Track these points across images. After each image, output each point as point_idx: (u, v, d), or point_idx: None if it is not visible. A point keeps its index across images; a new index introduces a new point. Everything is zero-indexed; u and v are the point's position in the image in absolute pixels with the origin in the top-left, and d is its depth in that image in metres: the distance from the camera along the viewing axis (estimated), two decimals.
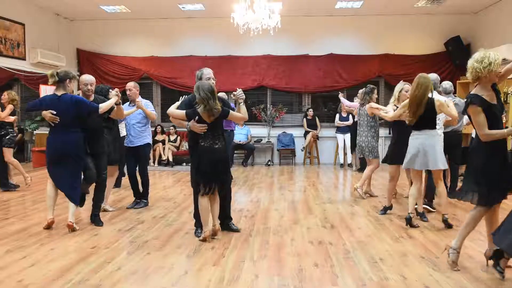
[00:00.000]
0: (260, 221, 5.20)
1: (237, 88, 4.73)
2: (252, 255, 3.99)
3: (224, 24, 9.96)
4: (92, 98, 5.02)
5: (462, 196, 3.62)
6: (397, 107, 5.34)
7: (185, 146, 10.79)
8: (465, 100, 3.58)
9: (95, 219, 5.10)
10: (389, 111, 5.52)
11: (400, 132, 5.40)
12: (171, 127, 11.01)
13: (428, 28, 11.02)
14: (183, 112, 4.47)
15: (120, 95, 5.04)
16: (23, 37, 9.72)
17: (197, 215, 4.64)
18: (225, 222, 4.80)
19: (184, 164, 10.51)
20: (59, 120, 4.65)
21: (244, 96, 4.66)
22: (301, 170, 10.11)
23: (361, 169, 9.83)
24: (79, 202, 4.92)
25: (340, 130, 10.46)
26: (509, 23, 9.34)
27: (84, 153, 4.85)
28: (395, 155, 5.41)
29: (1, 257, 3.93)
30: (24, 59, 9.76)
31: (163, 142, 10.83)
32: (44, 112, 4.70)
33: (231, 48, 11.34)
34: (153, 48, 11.55)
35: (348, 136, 10.24)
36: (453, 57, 10.75)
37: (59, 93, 4.72)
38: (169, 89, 11.60)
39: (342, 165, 10.55)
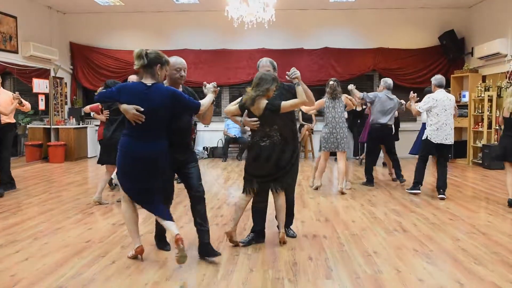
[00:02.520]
0: None
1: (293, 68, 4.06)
2: (247, 249, 3.99)
3: (218, 18, 9.92)
4: (181, 89, 3.83)
5: None
6: None
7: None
8: None
9: (207, 249, 3.74)
10: None
11: None
12: None
13: (422, 22, 11.02)
14: (236, 106, 4.08)
15: (218, 89, 3.89)
16: (15, 30, 9.62)
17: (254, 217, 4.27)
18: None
19: None
20: (144, 120, 3.38)
21: (298, 74, 3.98)
22: None
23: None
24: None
25: None
26: (503, 17, 9.36)
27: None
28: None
29: None
30: (16, 52, 9.66)
31: None
32: (125, 107, 3.39)
33: (226, 42, 11.29)
34: (147, 42, 11.40)
35: None
36: (447, 51, 10.78)
37: (148, 82, 3.46)
38: None
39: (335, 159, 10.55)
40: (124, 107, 3.40)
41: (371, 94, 7.16)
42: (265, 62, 4.25)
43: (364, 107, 9.46)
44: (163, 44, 11.40)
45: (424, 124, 6.70)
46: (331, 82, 6.53)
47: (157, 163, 3.47)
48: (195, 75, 11.16)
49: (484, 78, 9.92)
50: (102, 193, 5.86)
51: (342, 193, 6.43)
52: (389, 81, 7.27)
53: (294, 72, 3.99)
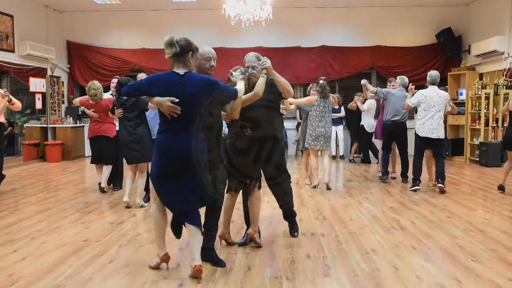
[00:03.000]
0: None
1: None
2: (244, 247, 3.99)
3: (216, 16, 9.89)
4: None
5: None
6: None
7: None
8: None
9: (212, 256, 3.56)
10: None
11: None
12: None
13: (419, 20, 11.03)
14: None
15: (247, 74, 3.64)
16: (12, 29, 9.59)
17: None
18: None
19: None
20: (181, 112, 3.10)
21: (268, 64, 3.63)
22: (293, 162, 10.12)
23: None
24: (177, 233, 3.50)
25: (332, 122, 10.45)
26: (500, 14, 9.38)
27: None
28: None
29: None
30: (13, 51, 9.63)
31: None
32: (158, 100, 3.12)
33: (223, 40, 11.25)
34: (144, 40, 11.45)
35: (340, 128, 10.29)
36: (444, 49, 10.79)
37: (181, 71, 3.20)
38: None
39: (334, 157, 10.56)
40: (157, 99, 3.12)
41: (384, 90, 7.22)
42: (251, 57, 3.93)
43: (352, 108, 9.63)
44: (160, 43, 11.08)
45: None
46: (321, 81, 6.59)
47: (197, 158, 3.16)
48: None
49: (481, 76, 9.94)
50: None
51: (328, 187, 6.61)
52: (406, 79, 7.38)
53: (264, 62, 3.65)
